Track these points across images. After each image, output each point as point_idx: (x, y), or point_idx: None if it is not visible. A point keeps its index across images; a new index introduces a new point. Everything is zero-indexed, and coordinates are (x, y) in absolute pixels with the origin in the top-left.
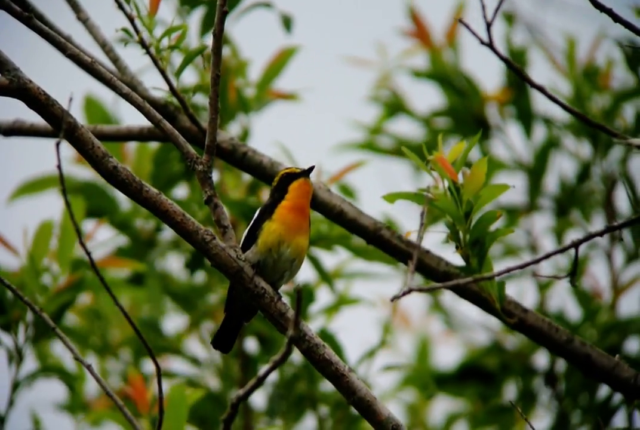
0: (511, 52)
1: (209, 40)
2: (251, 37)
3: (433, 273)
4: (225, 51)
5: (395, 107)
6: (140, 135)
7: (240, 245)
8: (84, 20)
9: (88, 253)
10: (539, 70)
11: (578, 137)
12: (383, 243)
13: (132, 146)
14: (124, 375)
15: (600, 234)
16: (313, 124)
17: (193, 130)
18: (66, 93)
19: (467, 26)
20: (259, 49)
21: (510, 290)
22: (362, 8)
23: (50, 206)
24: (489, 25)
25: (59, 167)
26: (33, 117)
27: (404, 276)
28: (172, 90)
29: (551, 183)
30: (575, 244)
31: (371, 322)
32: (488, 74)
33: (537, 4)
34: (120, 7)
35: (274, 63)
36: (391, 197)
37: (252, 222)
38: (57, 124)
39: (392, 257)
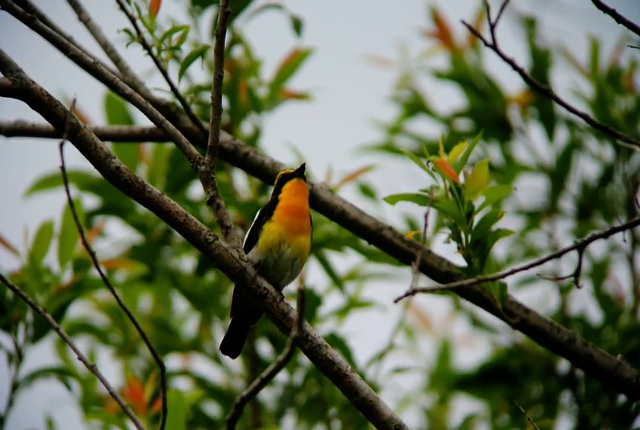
0: (534, 54)
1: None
2: (268, 37)
3: (435, 273)
4: (238, 51)
5: (415, 107)
6: (141, 136)
7: (243, 247)
8: (85, 21)
9: (92, 253)
10: (562, 72)
11: (600, 140)
12: (385, 243)
13: (148, 146)
14: (145, 372)
15: (604, 235)
16: (332, 124)
17: (195, 130)
18: (69, 94)
19: (470, 28)
20: (276, 49)
21: (530, 293)
22: (383, 8)
23: (52, 205)
24: (492, 27)
25: (62, 167)
26: (34, 118)
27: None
28: (174, 91)
29: (573, 186)
30: (578, 246)
31: (387, 324)
32: (510, 76)
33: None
34: (122, 7)
35: (287, 63)
36: (392, 199)
37: (252, 223)
38: (60, 124)
39: (393, 257)
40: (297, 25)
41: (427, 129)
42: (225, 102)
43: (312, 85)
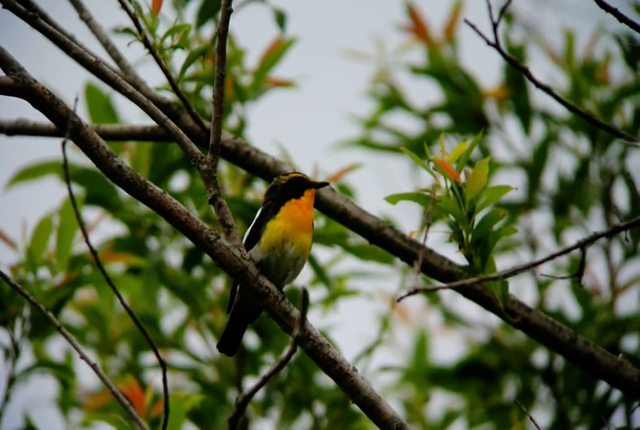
0: (510, 49)
1: (205, 31)
2: (251, 29)
3: (436, 272)
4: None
5: (392, 101)
6: (142, 135)
7: (243, 244)
8: (86, 19)
9: (94, 253)
10: (538, 66)
11: (577, 133)
12: (386, 242)
13: None
14: (123, 371)
15: (607, 234)
16: (310, 118)
17: (196, 129)
18: (70, 92)
19: (473, 27)
20: (259, 41)
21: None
22: (360, 1)
23: (48, 194)
24: (495, 26)
25: (64, 167)
26: (36, 116)
27: (401, 275)
28: (176, 89)
29: (550, 180)
30: (581, 245)
31: (369, 317)
32: (487, 70)
33: (535, 3)
34: (123, 6)
35: (271, 52)
36: (393, 199)
37: (254, 220)
38: (62, 123)
39: (395, 256)
40: (280, 19)
41: (404, 123)
42: (209, 93)
43: (293, 76)
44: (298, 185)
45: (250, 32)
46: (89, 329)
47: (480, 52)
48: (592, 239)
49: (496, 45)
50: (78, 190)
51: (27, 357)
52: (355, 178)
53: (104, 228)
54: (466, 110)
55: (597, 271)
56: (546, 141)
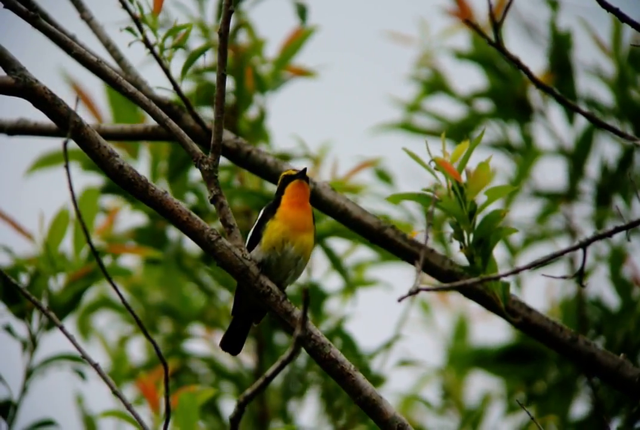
0: (555, 36)
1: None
2: (275, 25)
3: (437, 272)
4: (244, 36)
5: (435, 85)
6: (144, 135)
7: (246, 245)
8: (87, 19)
9: (95, 253)
10: (585, 54)
11: (621, 121)
12: (387, 242)
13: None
14: (166, 350)
15: (609, 234)
16: (352, 102)
17: (197, 129)
18: (69, 92)
19: (474, 27)
20: (282, 35)
21: (543, 278)
22: None
23: (64, 183)
24: (496, 26)
25: (66, 167)
26: (36, 116)
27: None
28: (177, 89)
29: (593, 169)
30: (583, 245)
31: (394, 309)
32: (531, 57)
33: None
34: (124, 6)
35: (291, 41)
36: (395, 198)
37: (256, 221)
38: (63, 123)
39: (396, 256)
40: (301, 12)
41: (446, 108)
42: (230, 83)
43: (326, 62)
44: (285, 183)
45: (275, 28)
46: (133, 306)
47: (525, 39)
48: (594, 239)
49: (497, 45)
50: (96, 179)
51: (44, 350)
52: (394, 164)
53: (124, 217)
54: (509, 97)
55: (638, 262)
56: (590, 129)
